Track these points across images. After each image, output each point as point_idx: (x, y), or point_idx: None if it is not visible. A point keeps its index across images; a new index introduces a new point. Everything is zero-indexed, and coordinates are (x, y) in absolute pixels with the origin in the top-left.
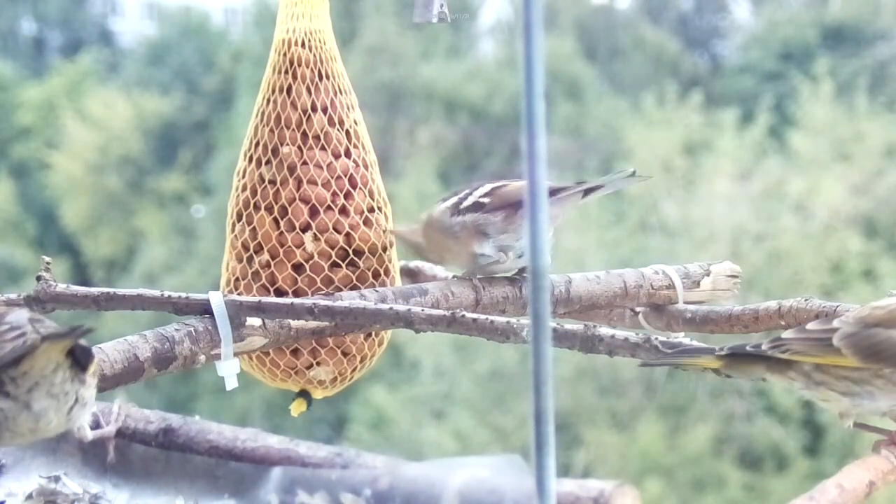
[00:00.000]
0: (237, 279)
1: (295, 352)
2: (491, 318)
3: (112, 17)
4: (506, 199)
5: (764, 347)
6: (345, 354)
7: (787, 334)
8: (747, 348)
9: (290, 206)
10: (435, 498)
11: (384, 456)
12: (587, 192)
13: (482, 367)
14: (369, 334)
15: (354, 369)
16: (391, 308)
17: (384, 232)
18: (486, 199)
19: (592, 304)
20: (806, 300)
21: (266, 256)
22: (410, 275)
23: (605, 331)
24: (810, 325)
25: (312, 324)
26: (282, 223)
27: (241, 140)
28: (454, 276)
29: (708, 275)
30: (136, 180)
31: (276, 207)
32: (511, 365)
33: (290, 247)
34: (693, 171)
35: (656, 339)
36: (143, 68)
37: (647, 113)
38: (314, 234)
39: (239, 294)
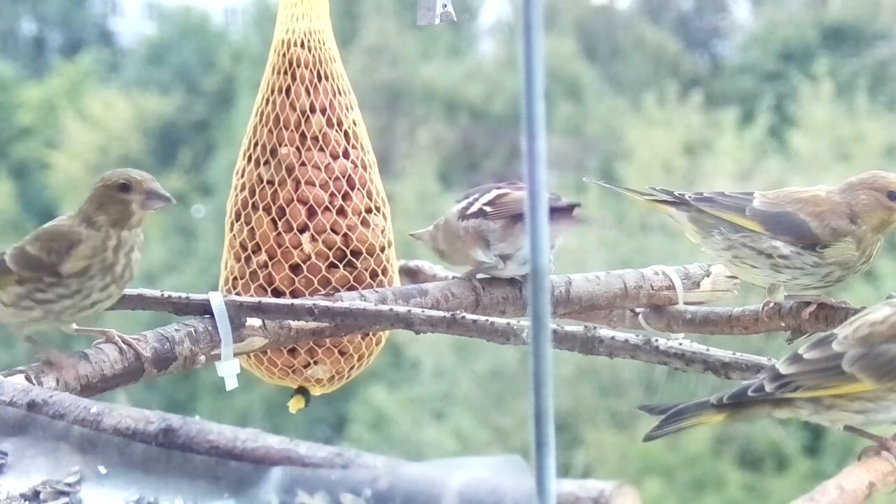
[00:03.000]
0: (235, 278)
1: (292, 351)
2: (491, 319)
3: (112, 17)
4: (506, 209)
5: (768, 389)
6: (342, 354)
7: (784, 368)
8: (749, 393)
9: (288, 206)
10: (435, 498)
11: (384, 456)
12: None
13: (482, 367)
14: (367, 333)
15: (352, 368)
16: (391, 309)
17: (412, 235)
18: (488, 208)
19: (592, 304)
20: (807, 302)
21: (264, 256)
22: (410, 275)
23: (605, 332)
24: (806, 354)
25: (312, 324)
26: (280, 223)
27: (241, 140)
28: (454, 277)
29: (708, 275)
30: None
31: (274, 208)
32: (511, 365)
33: (287, 247)
34: (693, 171)
35: (656, 340)
36: (143, 68)
37: (647, 113)
38: (312, 234)
39: (237, 294)
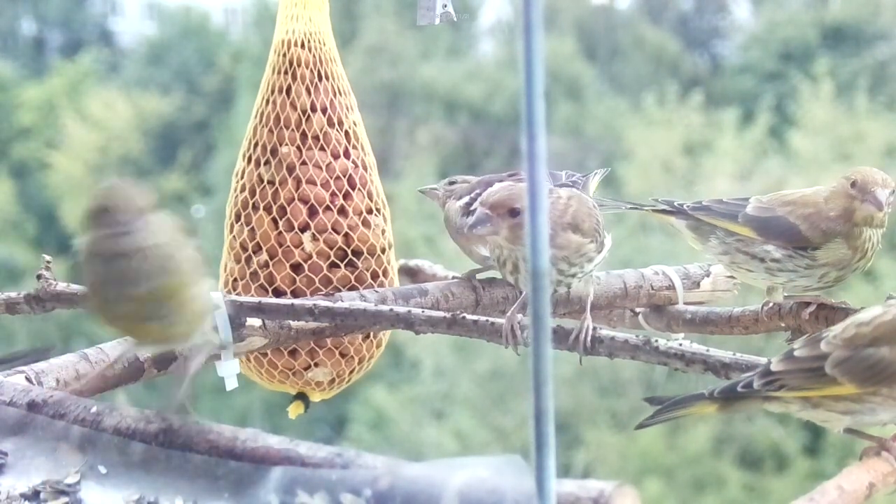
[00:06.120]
0: (235, 280)
1: (293, 353)
2: (491, 319)
3: (112, 17)
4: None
5: (756, 386)
6: (343, 356)
7: (776, 365)
8: (739, 389)
9: (288, 206)
10: (435, 498)
11: (384, 456)
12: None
13: (482, 367)
14: (368, 336)
15: (352, 371)
16: (391, 309)
17: (420, 191)
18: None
19: (592, 304)
20: (807, 302)
21: (264, 256)
22: (410, 274)
23: (605, 332)
24: (797, 351)
25: (313, 324)
26: (280, 223)
27: (241, 140)
28: (454, 277)
29: (708, 275)
30: (136, 180)
31: (274, 207)
32: (511, 365)
33: (288, 247)
34: (693, 171)
35: (656, 340)
36: (143, 68)
37: (647, 113)
38: (313, 234)
39: (237, 295)
